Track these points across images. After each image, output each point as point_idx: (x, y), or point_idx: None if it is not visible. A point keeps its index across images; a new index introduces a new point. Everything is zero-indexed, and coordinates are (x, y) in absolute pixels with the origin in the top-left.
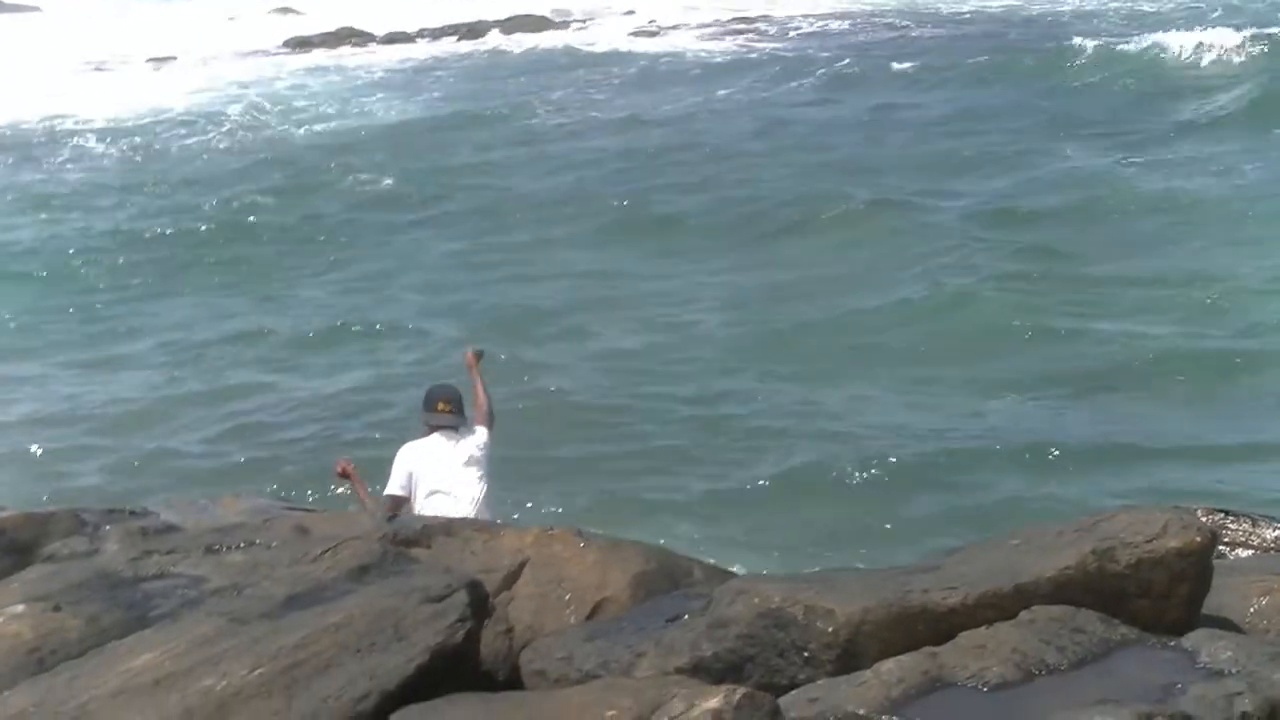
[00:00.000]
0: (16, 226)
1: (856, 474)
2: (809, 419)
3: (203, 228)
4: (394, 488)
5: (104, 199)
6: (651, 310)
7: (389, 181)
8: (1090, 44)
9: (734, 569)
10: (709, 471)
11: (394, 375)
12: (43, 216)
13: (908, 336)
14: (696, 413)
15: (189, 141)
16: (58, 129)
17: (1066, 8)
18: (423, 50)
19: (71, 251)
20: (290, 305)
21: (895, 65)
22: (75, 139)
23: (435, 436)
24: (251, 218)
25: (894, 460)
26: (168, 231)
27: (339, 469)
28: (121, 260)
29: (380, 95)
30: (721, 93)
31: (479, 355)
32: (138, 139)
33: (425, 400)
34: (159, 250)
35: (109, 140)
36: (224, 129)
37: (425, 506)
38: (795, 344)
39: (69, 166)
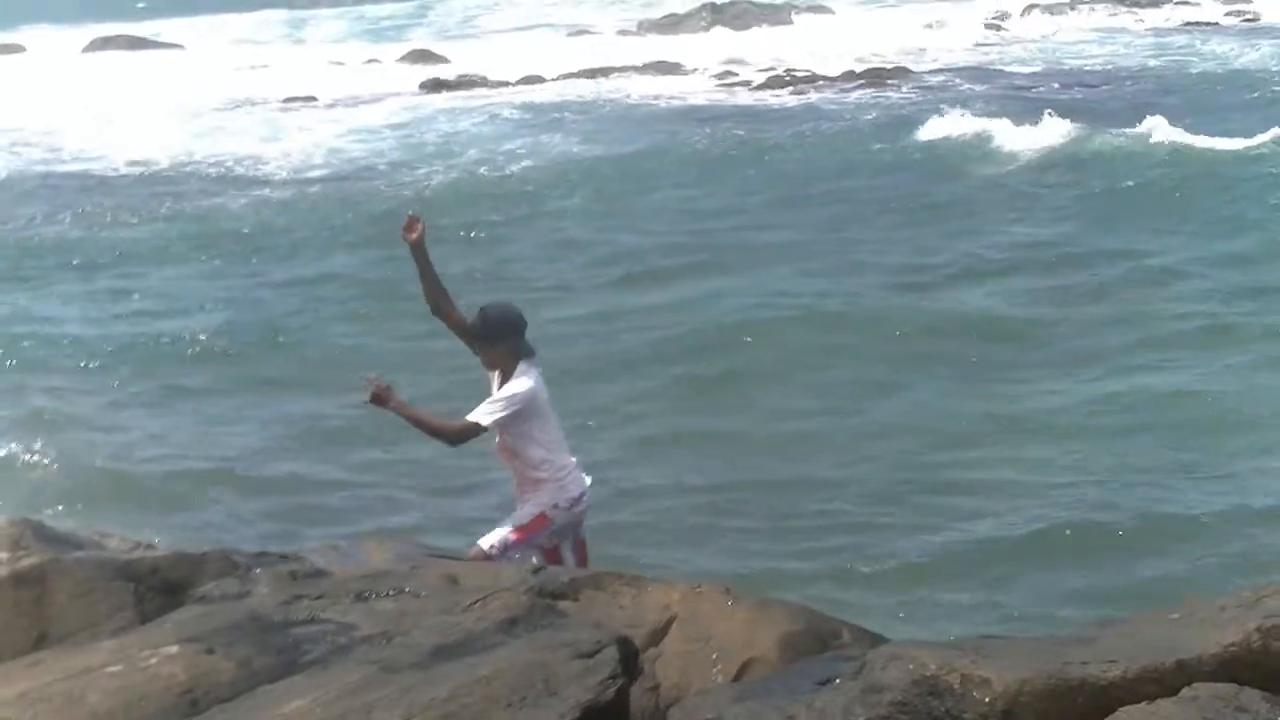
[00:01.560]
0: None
1: (1005, 535)
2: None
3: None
4: (487, 421)
5: (287, 239)
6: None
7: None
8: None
9: (882, 633)
10: (855, 531)
11: None
12: (245, 268)
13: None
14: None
15: (357, 181)
16: (218, 168)
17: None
18: (558, 91)
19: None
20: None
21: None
22: (238, 178)
23: (535, 370)
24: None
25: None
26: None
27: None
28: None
29: (536, 135)
30: (876, 146)
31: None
32: (312, 176)
33: (518, 320)
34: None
35: (276, 181)
36: (381, 168)
37: (560, 460)
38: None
39: (241, 207)
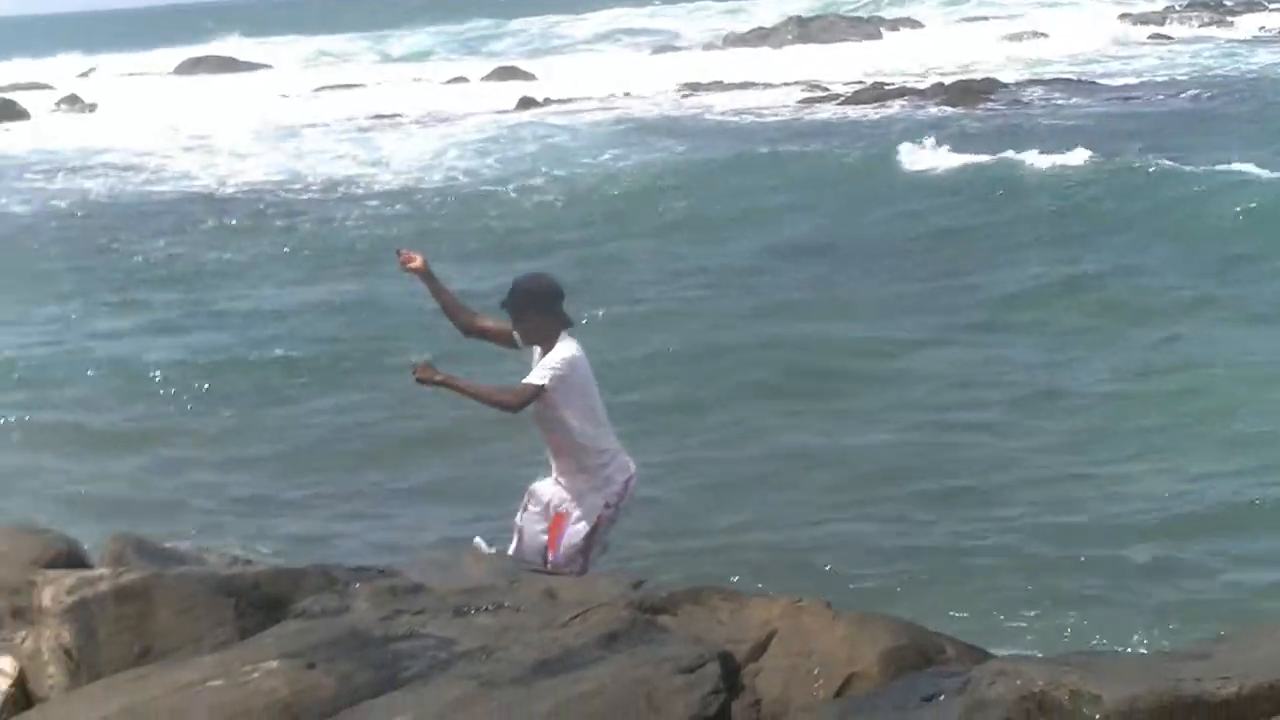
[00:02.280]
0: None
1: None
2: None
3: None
4: (545, 379)
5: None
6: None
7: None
8: None
9: (986, 647)
10: (956, 539)
11: None
12: (356, 284)
13: None
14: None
15: (456, 197)
16: (317, 186)
17: None
18: (645, 108)
19: None
20: None
21: None
22: (340, 197)
23: (576, 341)
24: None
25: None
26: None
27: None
28: None
29: (625, 151)
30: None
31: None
32: (411, 193)
33: (552, 289)
34: None
35: (376, 198)
36: (478, 184)
37: (602, 439)
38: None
39: (344, 224)
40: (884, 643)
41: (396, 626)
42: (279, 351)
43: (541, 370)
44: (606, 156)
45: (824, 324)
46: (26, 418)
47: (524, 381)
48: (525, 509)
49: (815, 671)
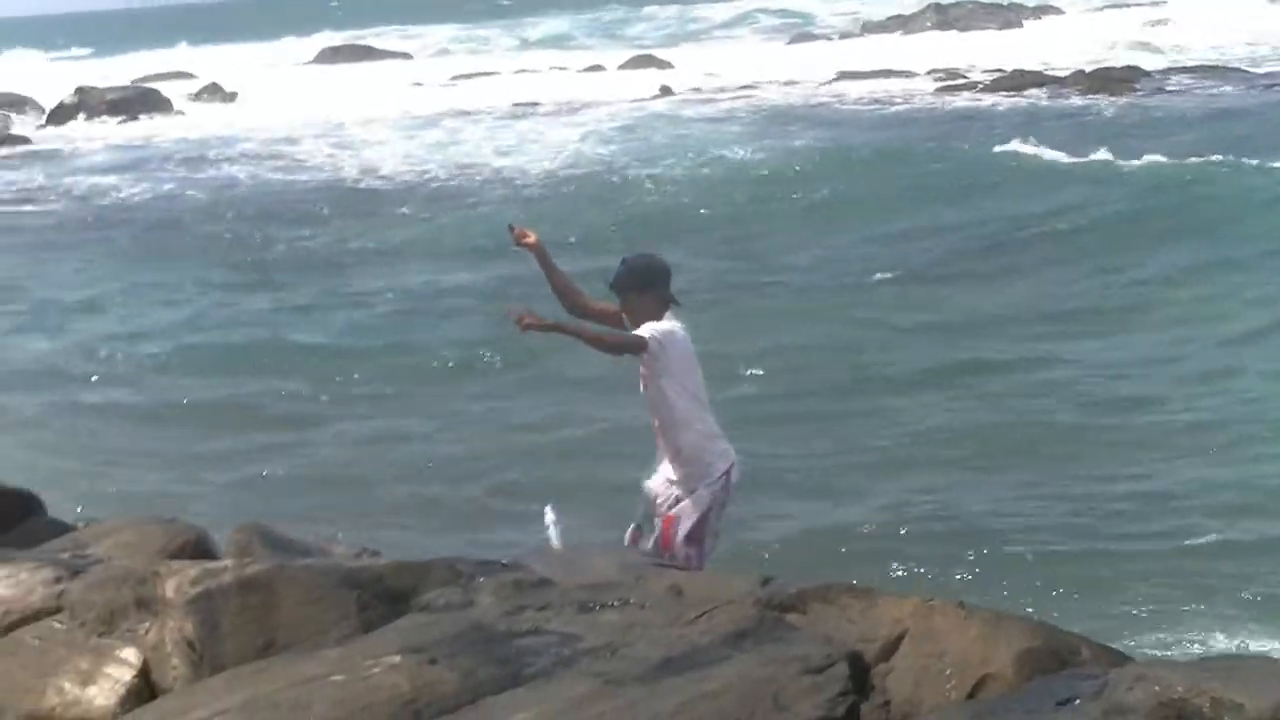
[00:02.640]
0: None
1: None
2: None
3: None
4: (648, 334)
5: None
6: None
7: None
8: None
9: (1124, 650)
10: (1096, 539)
11: None
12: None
13: None
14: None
15: (600, 183)
16: (459, 174)
17: None
18: (783, 95)
19: None
20: None
21: None
22: (484, 183)
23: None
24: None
25: None
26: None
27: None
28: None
29: (763, 139)
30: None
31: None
32: (555, 179)
33: (662, 268)
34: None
35: (521, 185)
36: (621, 170)
37: (704, 422)
38: None
39: (489, 210)
40: (1018, 644)
41: (520, 622)
42: (419, 336)
43: (649, 328)
44: (744, 145)
45: (968, 311)
46: (168, 397)
47: (632, 331)
48: (640, 509)
49: (947, 672)
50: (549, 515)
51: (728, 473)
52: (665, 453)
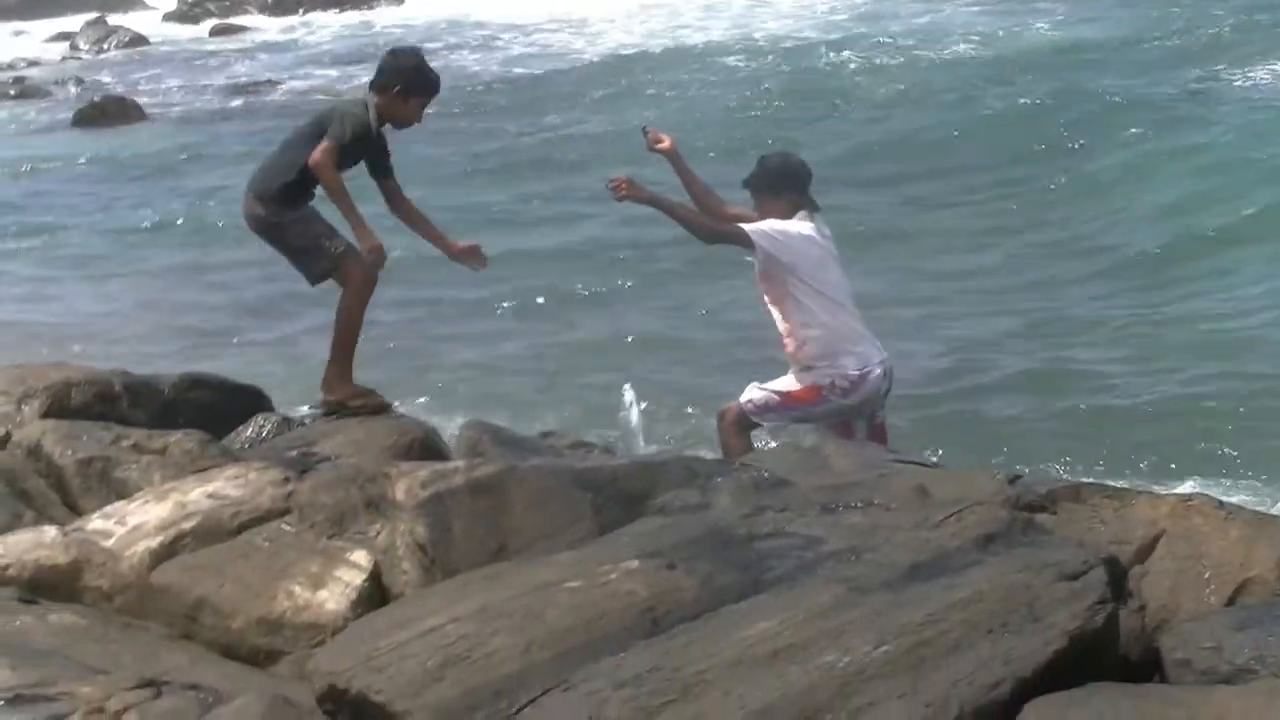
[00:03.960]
0: None
1: None
2: None
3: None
4: (754, 230)
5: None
6: None
7: None
8: None
9: None
10: None
11: None
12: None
13: None
14: None
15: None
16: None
17: None
18: None
19: None
20: None
21: None
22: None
23: (819, 226)
24: None
25: None
26: None
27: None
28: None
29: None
30: None
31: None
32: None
33: (799, 169)
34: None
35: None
36: (858, 48)
37: (836, 330)
38: None
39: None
40: None
41: (760, 524)
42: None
43: (761, 227)
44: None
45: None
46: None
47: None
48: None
49: (1206, 576)
50: (627, 394)
51: (863, 376)
52: (790, 350)
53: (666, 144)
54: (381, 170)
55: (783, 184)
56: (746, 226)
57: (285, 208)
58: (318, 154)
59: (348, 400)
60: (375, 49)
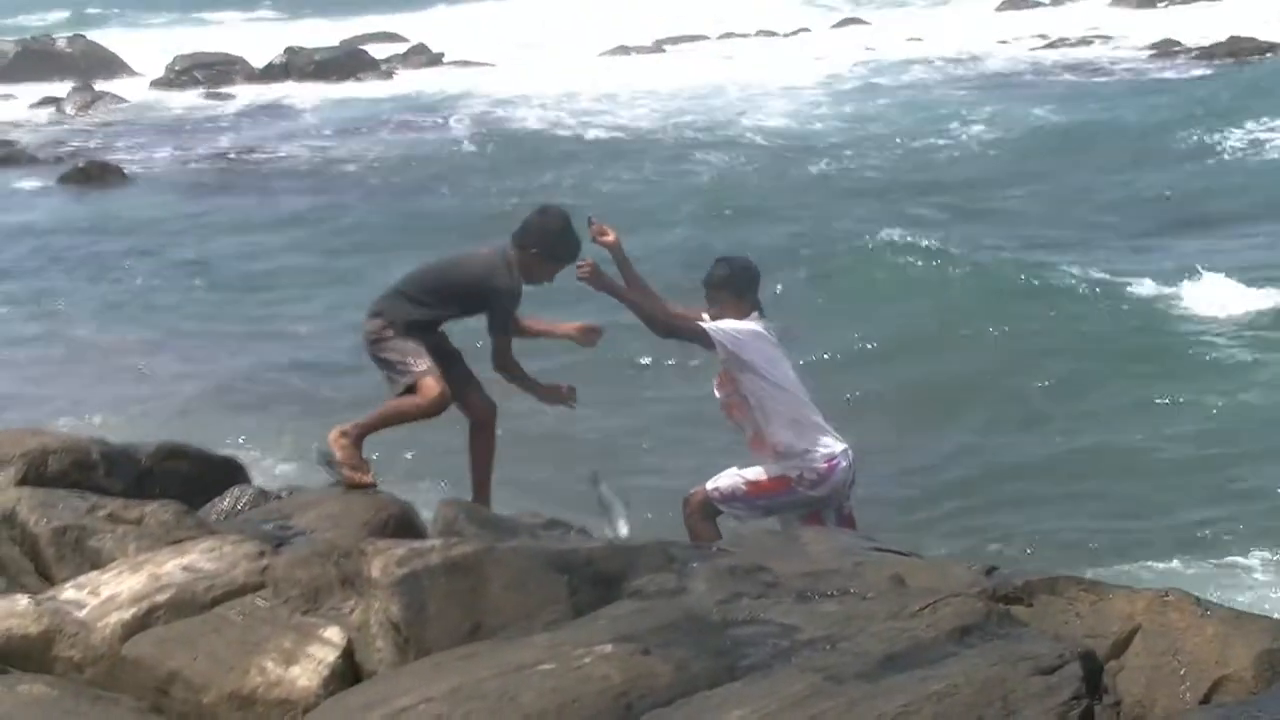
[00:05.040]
0: None
1: None
2: None
3: None
4: (711, 327)
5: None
6: None
7: None
8: None
9: None
10: None
11: None
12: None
13: None
14: None
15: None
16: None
17: None
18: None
19: None
20: None
21: None
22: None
23: (767, 325)
24: None
25: None
26: None
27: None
28: None
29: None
30: None
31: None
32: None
33: (752, 275)
34: None
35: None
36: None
37: (793, 425)
38: None
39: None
40: (1259, 644)
41: (736, 611)
42: None
43: (716, 324)
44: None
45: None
46: None
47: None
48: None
49: (1182, 673)
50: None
51: (831, 467)
52: (758, 450)
53: (610, 238)
54: (500, 327)
55: (747, 287)
56: (705, 325)
57: (397, 331)
58: (498, 360)
59: (345, 464)
60: (359, 121)
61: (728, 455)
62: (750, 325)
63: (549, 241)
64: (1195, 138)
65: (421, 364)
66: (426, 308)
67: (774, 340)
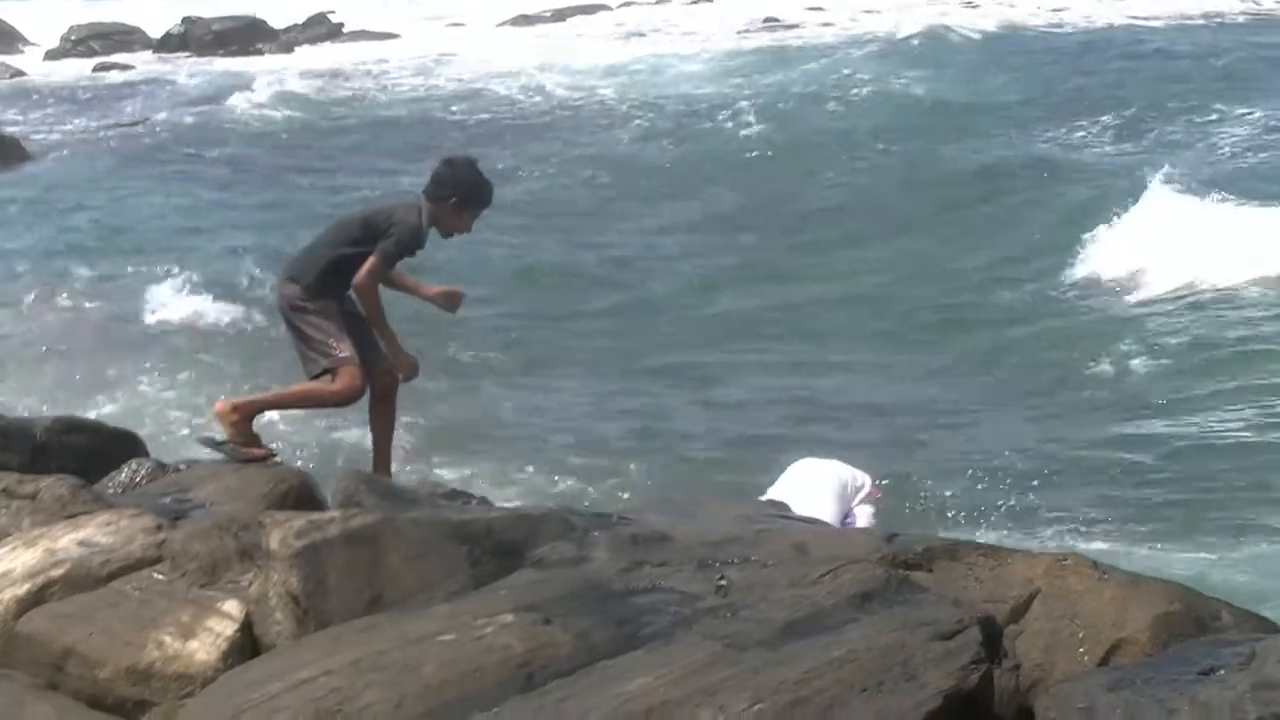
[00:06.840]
0: None
1: None
2: None
3: None
4: None
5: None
6: None
7: None
8: None
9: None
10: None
11: None
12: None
13: None
14: None
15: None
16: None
17: None
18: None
19: None
20: None
21: None
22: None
23: None
24: None
25: None
26: None
27: None
28: None
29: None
30: None
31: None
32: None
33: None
34: None
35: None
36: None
37: None
38: None
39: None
40: (1155, 607)
41: (637, 579)
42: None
43: None
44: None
45: None
46: None
47: None
48: None
49: (1080, 636)
50: None
51: None
52: None
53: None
54: (388, 251)
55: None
56: None
57: (314, 296)
58: (364, 275)
59: (240, 444)
60: (255, 93)
61: None
62: None
63: (464, 188)
64: None
65: (344, 349)
66: (330, 247)
67: None
